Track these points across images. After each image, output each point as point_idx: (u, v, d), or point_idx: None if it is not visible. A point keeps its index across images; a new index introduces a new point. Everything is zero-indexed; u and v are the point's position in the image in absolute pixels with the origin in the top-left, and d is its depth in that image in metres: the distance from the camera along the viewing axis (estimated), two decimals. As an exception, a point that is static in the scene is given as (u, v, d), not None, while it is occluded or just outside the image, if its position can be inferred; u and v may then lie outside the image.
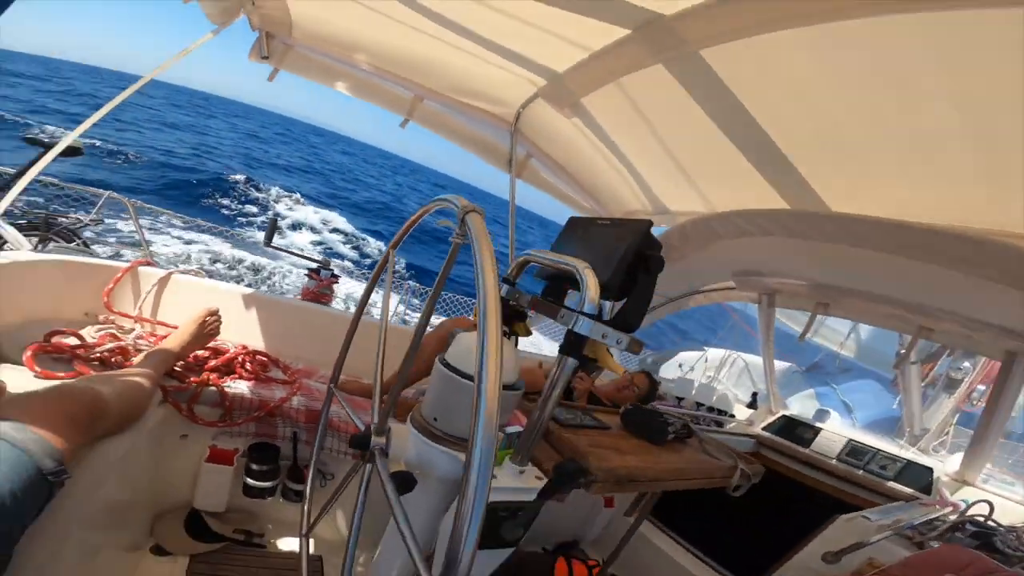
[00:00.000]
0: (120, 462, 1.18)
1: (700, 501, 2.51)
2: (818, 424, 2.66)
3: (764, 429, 2.76)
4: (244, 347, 1.64)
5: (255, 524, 1.60)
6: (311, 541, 1.68)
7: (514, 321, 1.00)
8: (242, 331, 1.76)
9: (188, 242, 6.73)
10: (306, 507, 1.24)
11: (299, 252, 2.95)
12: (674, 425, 1.33)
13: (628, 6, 1.16)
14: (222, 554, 1.51)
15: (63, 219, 2.96)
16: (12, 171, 2.61)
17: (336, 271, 2.46)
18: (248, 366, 1.57)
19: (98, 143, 13.56)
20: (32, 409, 0.77)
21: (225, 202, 12.64)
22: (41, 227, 2.79)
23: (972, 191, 1.25)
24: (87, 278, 1.58)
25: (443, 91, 2.13)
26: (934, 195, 1.33)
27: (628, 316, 0.85)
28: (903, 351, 2.59)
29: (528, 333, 1.05)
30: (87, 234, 3.13)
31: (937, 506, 1.68)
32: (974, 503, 1.81)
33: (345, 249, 12.50)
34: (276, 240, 2.61)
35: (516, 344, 0.99)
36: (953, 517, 1.53)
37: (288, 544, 1.68)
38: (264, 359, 1.64)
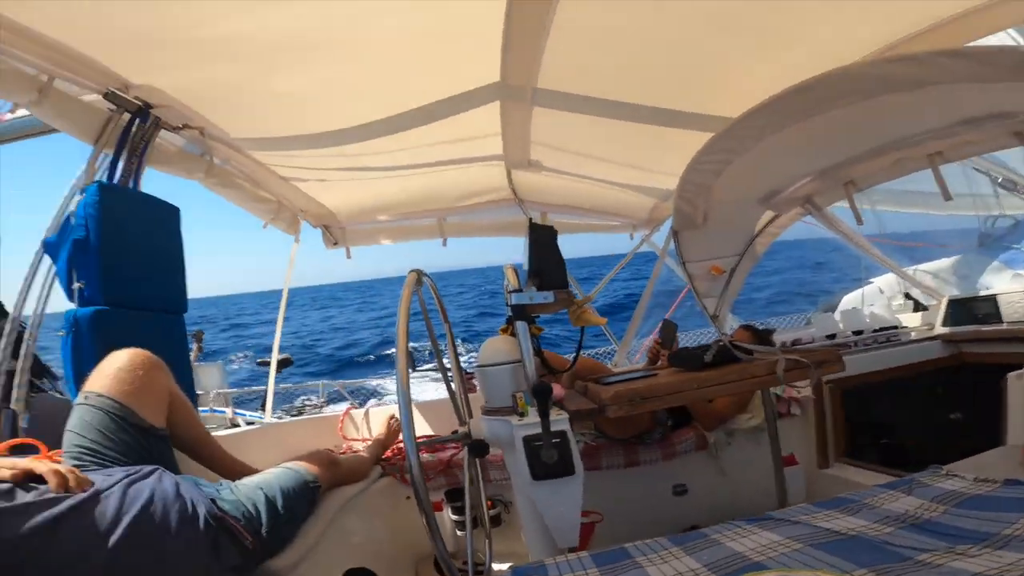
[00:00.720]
0: (373, 517, 1.84)
1: (908, 430, 2.27)
2: (989, 292, 2.25)
3: (942, 326, 2.42)
4: (425, 435, 2.33)
5: (476, 555, 2.13)
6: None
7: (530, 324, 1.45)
8: (421, 428, 2.45)
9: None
10: (486, 530, 1.66)
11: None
12: (711, 350, 1.51)
13: (491, 87, 1.64)
14: (459, 584, 2.05)
15: (308, 405, 4.37)
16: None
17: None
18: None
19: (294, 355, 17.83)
20: (301, 458, 1.49)
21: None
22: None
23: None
24: (327, 426, 2.47)
25: (453, 204, 2.81)
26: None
27: (546, 278, 1.27)
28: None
29: (539, 330, 1.48)
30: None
31: None
32: None
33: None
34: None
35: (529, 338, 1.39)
36: None
37: (502, 565, 2.14)
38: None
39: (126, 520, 0.90)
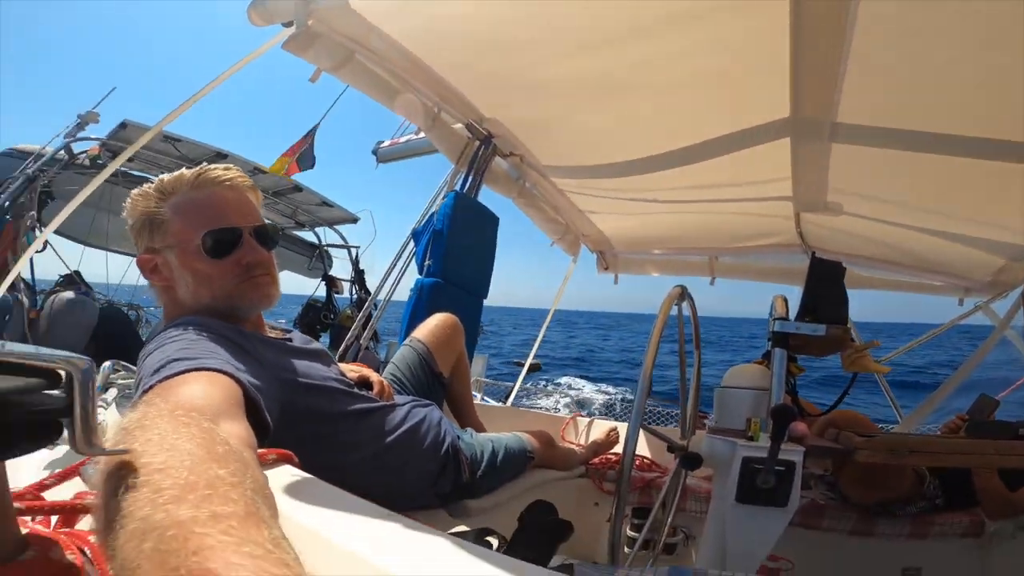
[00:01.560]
0: (560, 504, 1.96)
1: None
2: None
3: None
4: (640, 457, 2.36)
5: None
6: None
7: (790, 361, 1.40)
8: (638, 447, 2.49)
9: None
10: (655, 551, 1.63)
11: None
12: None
13: (780, 122, 1.60)
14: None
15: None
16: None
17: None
18: (638, 463, 2.25)
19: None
20: (528, 431, 1.71)
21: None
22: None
23: None
24: (552, 424, 2.72)
25: (727, 244, 2.72)
26: None
27: (821, 312, 1.20)
28: None
29: (799, 370, 1.41)
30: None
31: None
32: None
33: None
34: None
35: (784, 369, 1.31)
36: None
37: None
38: (647, 460, 2.30)
39: (402, 428, 1.16)
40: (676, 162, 1.98)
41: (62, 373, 0.27)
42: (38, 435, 0.28)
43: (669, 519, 1.65)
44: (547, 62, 1.66)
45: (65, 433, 0.28)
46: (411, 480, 1.19)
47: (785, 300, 1.30)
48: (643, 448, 2.45)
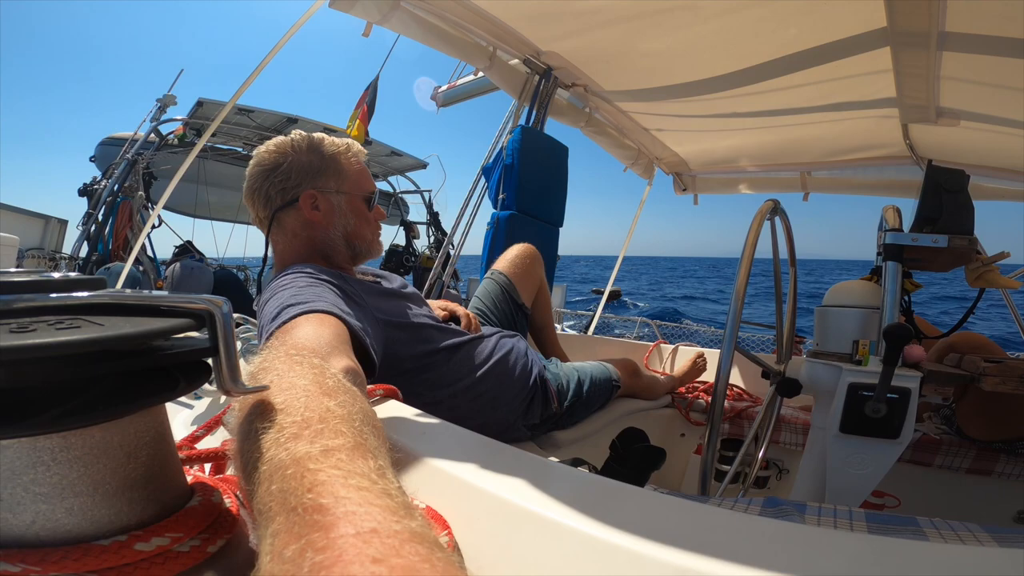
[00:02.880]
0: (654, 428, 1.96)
1: None
2: None
3: None
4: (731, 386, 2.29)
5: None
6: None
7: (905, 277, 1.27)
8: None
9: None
10: (745, 485, 1.55)
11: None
12: None
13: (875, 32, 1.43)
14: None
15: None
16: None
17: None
18: (727, 392, 2.19)
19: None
20: (612, 360, 1.68)
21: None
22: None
23: None
24: (635, 352, 2.70)
25: (823, 158, 2.47)
26: None
27: (942, 222, 1.06)
28: None
29: (915, 286, 1.27)
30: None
31: None
32: None
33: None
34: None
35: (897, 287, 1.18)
36: None
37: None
38: (738, 389, 2.23)
39: (492, 359, 1.18)
40: (754, 78, 1.84)
41: (204, 317, 0.29)
42: (192, 376, 0.30)
43: (762, 451, 1.61)
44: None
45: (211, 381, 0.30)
46: (503, 411, 1.20)
47: (897, 210, 1.15)
48: (734, 376, 2.37)
